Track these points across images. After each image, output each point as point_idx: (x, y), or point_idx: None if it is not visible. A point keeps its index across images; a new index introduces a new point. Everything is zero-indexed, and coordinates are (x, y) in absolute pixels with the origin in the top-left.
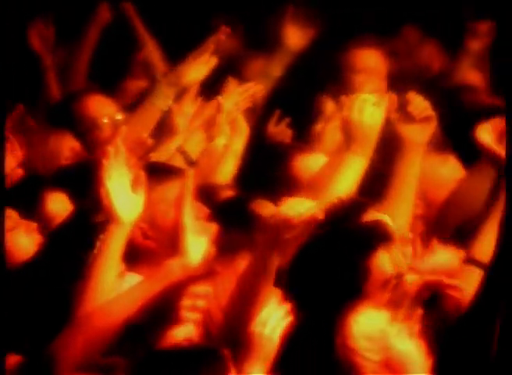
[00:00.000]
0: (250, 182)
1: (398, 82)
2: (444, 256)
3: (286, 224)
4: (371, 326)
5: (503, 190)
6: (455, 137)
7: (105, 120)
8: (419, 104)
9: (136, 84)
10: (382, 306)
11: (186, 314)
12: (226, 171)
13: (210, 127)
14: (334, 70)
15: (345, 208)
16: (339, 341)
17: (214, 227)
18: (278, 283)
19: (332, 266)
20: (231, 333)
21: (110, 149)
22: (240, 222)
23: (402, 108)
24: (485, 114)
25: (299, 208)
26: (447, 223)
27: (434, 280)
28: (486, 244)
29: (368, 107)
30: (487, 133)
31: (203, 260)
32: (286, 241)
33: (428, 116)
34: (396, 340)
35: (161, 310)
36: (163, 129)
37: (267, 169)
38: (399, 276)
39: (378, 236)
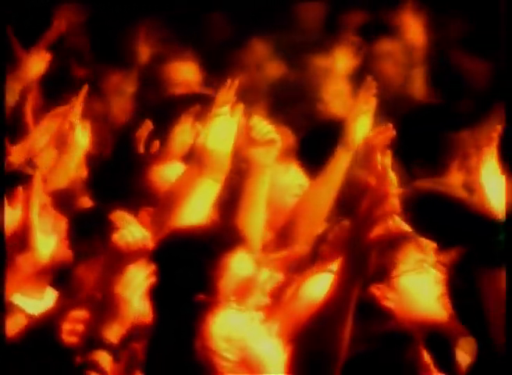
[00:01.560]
0: (109, 191)
1: (248, 95)
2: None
3: (117, 252)
4: (228, 327)
5: None
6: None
7: None
8: (262, 128)
9: None
10: (240, 305)
11: (66, 338)
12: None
13: (61, 144)
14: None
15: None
16: (199, 342)
17: (63, 226)
18: None
19: (186, 266)
20: None
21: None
22: (99, 232)
23: (247, 131)
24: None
25: (129, 238)
26: (295, 229)
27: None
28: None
29: (221, 132)
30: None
31: (52, 257)
32: (121, 264)
33: (271, 139)
34: (253, 339)
35: (43, 334)
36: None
37: (125, 178)
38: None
39: (233, 238)
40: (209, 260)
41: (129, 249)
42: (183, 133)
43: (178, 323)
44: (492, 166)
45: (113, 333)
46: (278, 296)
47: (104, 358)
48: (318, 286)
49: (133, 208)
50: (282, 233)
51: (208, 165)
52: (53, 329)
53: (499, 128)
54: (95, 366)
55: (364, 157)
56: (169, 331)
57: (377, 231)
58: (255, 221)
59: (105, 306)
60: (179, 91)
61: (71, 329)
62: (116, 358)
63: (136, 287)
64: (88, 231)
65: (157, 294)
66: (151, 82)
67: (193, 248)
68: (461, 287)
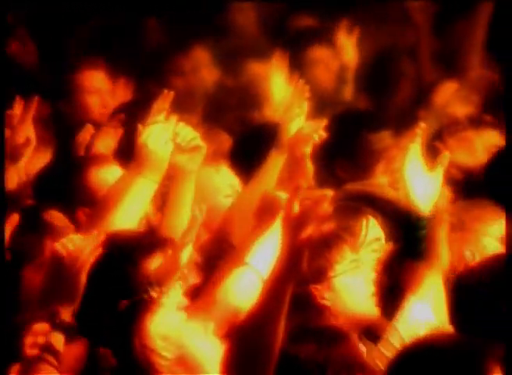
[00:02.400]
0: (49, 192)
1: (185, 100)
2: None
3: (59, 259)
4: (166, 326)
5: None
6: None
7: None
8: (187, 135)
9: None
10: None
11: (28, 351)
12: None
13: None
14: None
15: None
16: (137, 341)
17: (15, 219)
18: None
19: (112, 274)
20: None
21: None
22: (32, 230)
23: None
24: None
25: (72, 246)
26: (230, 230)
27: None
28: None
29: (162, 134)
30: None
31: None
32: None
33: (196, 146)
34: (190, 338)
35: (6, 348)
36: None
37: (65, 179)
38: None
39: (153, 243)
40: (132, 267)
41: (71, 258)
42: (107, 138)
43: (116, 325)
44: (416, 163)
45: (65, 312)
46: (197, 294)
47: (57, 340)
48: (238, 286)
49: (71, 208)
50: (218, 234)
51: (146, 164)
52: (16, 342)
53: (422, 125)
54: (49, 349)
55: (290, 149)
56: (109, 334)
57: (308, 232)
58: (181, 225)
59: (54, 284)
60: (90, 98)
61: (33, 342)
62: (70, 336)
63: (82, 262)
64: (24, 230)
65: (90, 301)
66: (65, 89)
67: (116, 256)
68: (390, 284)
